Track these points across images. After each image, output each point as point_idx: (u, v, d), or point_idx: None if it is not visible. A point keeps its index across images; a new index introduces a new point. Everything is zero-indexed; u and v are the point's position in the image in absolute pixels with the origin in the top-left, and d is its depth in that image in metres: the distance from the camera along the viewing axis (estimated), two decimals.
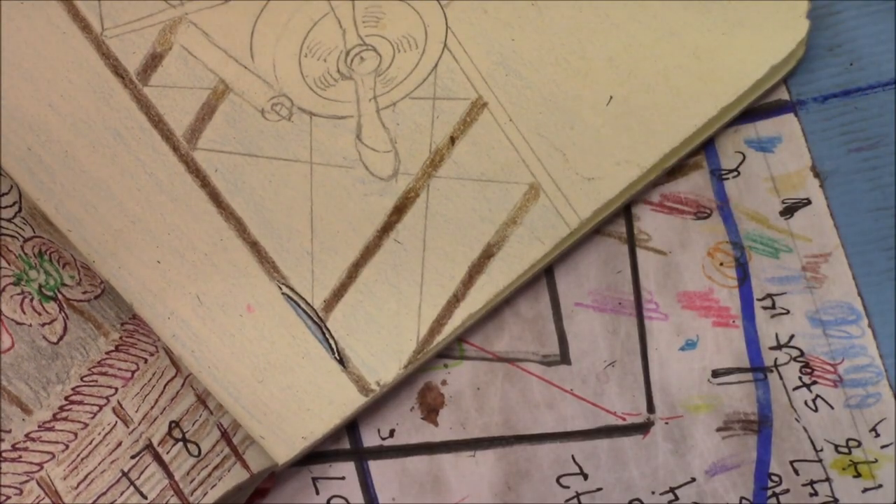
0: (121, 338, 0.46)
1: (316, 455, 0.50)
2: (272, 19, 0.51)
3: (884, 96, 0.51)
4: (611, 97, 0.49)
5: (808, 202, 0.51)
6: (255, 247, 0.49)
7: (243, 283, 0.49)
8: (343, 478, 0.50)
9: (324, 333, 0.48)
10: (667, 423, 0.50)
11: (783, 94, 0.51)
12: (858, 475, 0.49)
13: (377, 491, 0.50)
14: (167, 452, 0.45)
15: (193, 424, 0.46)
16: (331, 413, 0.48)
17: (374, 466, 0.50)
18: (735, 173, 0.51)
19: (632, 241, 0.51)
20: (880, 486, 0.49)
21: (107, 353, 0.46)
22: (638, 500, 0.49)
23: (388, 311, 0.48)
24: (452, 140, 0.50)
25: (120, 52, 0.50)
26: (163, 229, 0.49)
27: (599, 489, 0.50)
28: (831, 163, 0.51)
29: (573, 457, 0.50)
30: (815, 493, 0.49)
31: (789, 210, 0.51)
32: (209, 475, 0.45)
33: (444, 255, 0.49)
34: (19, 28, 0.50)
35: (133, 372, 0.46)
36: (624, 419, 0.50)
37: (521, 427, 0.50)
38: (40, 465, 0.44)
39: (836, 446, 0.49)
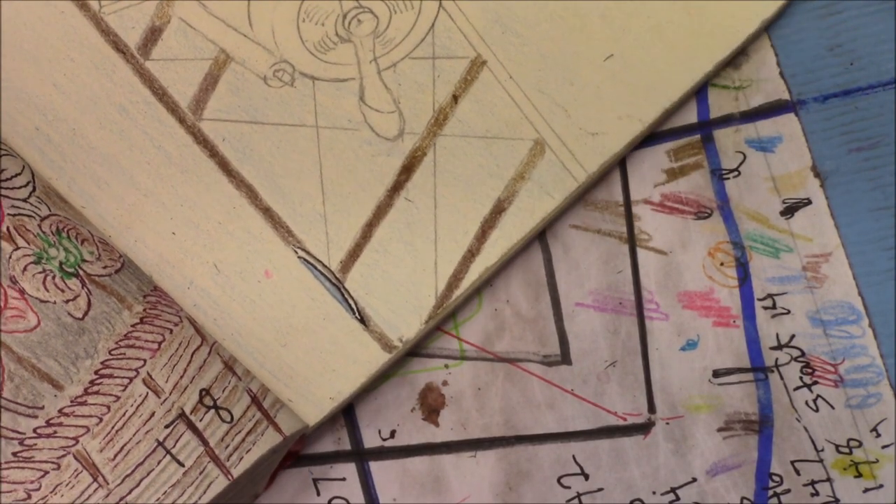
0: (144, 310, 0.47)
1: (317, 456, 0.51)
2: None
3: (884, 96, 0.50)
4: (610, 54, 0.50)
5: (808, 202, 0.51)
6: (268, 213, 0.50)
7: (259, 249, 0.50)
8: (344, 479, 0.51)
9: (343, 294, 0.49)
10: (668, 424, 0.50)
11: (784, 94, 0.51)
12: (859, 475, 0.50)
13: (378, 492, 0.50)
14: (200, 420, 0.46)
15: (223, 391, 0.47)
16: (356, 372, 0.49)
17: (375, 467, 0.51)
18: (735, 173, 0.51)
19: (632, 241, 0.51)
20: (881, 486, 0.49)
21: (132, 325, 0.47)
22: (639, 500, 0.50)
23: (404, 269, 0.49)
24: (455, 98, 0.50)
25: (119, 28, 0.50)
26: (175, 201, 0.50)
27: (600, 489, 0.50)
28: (832, 163, 0.51)
29: (574, 457, 0.50)
30: (817, 493, 0.50)
31: (790, 210, 0.51)
32: (243, 440, 0.46)
33: (455, 212, 0.50)
34: (18, 10, 0.50)
35: (159, 343, 0.47)
36: (625, 419, 0.50)
37: (521, 427, 0.50)
38: (76, 439, 0.45)
39: (837, 446, 0.50)
